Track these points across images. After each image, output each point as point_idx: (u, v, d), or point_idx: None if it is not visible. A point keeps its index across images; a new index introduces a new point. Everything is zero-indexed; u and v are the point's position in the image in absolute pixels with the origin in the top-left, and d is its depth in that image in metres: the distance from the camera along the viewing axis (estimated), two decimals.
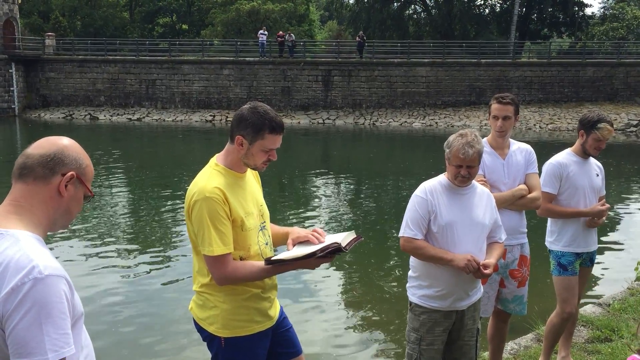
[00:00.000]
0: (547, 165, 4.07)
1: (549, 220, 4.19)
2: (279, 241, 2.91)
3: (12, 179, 1.72)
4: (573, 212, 4.01)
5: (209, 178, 2.55)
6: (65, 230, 8.94)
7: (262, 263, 2.55)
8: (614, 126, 4.15)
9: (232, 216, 2.54)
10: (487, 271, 3.03)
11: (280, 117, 2.60)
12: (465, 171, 3.05)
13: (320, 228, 2.78)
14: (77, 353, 1.72)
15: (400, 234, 3.17)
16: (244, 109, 2.58)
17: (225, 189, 2.53)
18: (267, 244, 2.74)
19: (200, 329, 2.70)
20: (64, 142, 1.76)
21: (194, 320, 2.73)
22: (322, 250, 2.46)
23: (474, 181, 3.21)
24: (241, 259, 2.59)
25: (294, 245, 2.69)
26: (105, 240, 9.73)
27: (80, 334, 1.76)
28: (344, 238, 2.55)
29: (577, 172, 4.02)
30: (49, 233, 1.80)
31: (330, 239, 2.61)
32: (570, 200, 4.02)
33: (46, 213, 1.73)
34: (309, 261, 2.50)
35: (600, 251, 8.62)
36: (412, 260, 3.27)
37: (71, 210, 1.79)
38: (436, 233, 3.11)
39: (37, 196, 1.70)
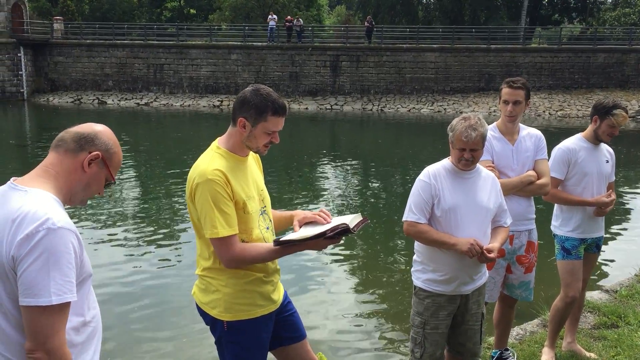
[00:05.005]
0: (555, 150, 4.04)
1: (555, 204, 4.17)
2: (284, 225, 2.90)
3: (50, 149, 1.96)
4: (578, 200, 3.98)
5: (211, 160, 2.54)
6: (78, 208, 8.99)
7: (270, 244, 2.54)
8: None
9: (234, 199, 2.52)
10: (491, 255, 3.01)
11: (282, 99, 2.58)
12: (469, 154, 3.02)
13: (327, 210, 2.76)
14: (83, 306, 1.91)
15: (404, 218, 3.15)
16: (246, 92, 2.57)
17: (227, 172, 2.51)
18: (268, 228, 2.73)
19: (203, 313, 2.70)
20: (99, 128, 2.01)
21: (197, 305, 2.72)
22: (331, 230, 2.44)
23: (478, 165, 3.18)
24: (243, 242, 2.57)
25: (300, 227, 2.68)
26: (111, 223, 9.77)
27: (88, 294, 1.95)
28: (351, 220, 2.53)
29: (586, 158, 3.98)
30: (66, 206, 1.95)
31: (337, 220, 2.60)
32: (577, 186, 3.99)
33: (68, 182, 1.93)
34: (318, 242, 2.48)
35: (608, 238, 8.59)
36: (417, 244, 3.26)
37: (90, 186, 1.98)
38: (440, 217, 3.08)
39: (63, 165, 1.92)
